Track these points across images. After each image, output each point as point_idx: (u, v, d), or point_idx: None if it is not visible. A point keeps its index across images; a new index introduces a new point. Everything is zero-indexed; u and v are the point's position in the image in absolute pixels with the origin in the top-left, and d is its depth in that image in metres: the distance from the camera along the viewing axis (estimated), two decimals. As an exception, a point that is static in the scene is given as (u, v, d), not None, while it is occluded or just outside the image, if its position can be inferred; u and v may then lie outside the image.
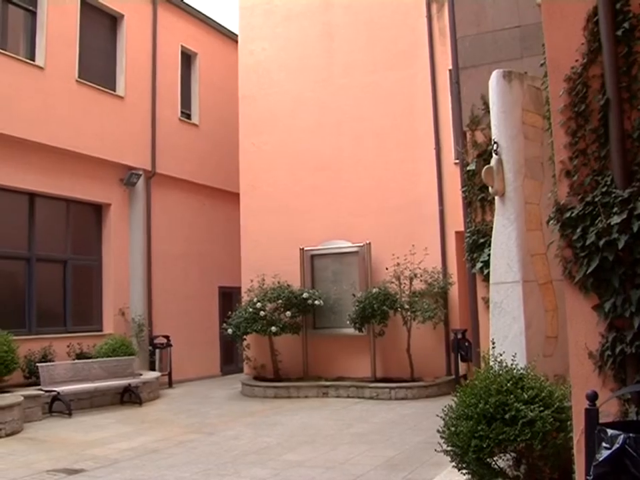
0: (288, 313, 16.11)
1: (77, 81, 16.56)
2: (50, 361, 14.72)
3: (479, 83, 10.87)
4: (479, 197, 11.52)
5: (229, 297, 21.11)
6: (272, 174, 17.92)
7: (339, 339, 16.50)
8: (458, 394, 5.86)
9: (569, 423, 5.23)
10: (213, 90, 21.41)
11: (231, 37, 21.92)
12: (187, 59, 20.94)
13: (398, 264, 15.26)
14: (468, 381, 5.91)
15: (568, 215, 4.64)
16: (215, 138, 21.13)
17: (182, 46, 20.46)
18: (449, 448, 5.70)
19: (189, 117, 20.78)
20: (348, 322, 15.66)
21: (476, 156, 11.61)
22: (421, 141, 16.30)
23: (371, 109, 16.94)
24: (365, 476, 8.19)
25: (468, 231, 11.81)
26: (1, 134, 14.55)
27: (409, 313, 15.24)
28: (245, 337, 16.71)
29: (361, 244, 16.32)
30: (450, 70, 14.53)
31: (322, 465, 8.83)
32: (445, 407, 5.92)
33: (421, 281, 15.40)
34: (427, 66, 16.35)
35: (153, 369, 17.61)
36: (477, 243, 11.49)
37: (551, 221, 4.79)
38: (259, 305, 16.07)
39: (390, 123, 16.68)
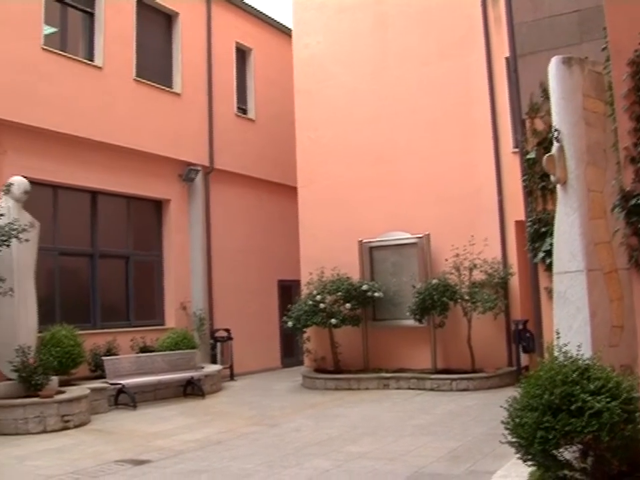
0: (348, 305, 16.13)
1: (134, 79, 16.83)
2: (114, 354, 15.03)
3: (538, 69, 10.69)
4: (539, 185, 11.35)
5: (288, 290, 21.23)
6: (329, 167, 17.95)
7: (399, 331, 16.45)
8: (522, 385, 5.79)
9: (637, 414, 5.14)
10: (268, 85, 21.52)
11: (285, 32, 21.97)
12: (242, 54, 21.08)
13: (457, 255, 15.14)
14: (532, 372, 5.83)
15: (633, 202, 4.55)
16: (272, 132, 21.24)
17: (237, 42, 20.61)
18: (514, 439, 5.63)
19: (245, 112, 20.92)
20: (408, 313, 15.62)
21: (536, 144, 11.44)
22: (478, 130, 16.12)
23: (427, 99, 16.80)
24: (427, 467, 8.17)
25: (529, 220, 11.65)
26: (63, 134, 14.90)
27: (469, 304, 15.12)
28: (305, 329, 16.79)
29: (420, 235, 16.22)
30: (506, 58, 14.34)
31: (384, 457, 8.83)
32: (509, 398, 5.86)
33: (480, 271, 15.26)
34: (482, 54, 16.14)
35: (214, 362, 17.84)
36: (538, 233, 11.33)
37: (616, 209, 4.71)
38: (318, 297, 16.14)
39: (446, 112, 16.52)
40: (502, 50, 15.12)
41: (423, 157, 16.71)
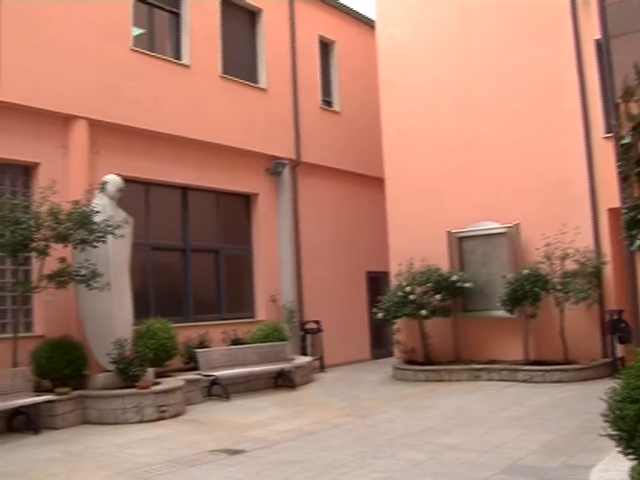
0: (437, 296, 16.02)
1: (220, 76, 17.08)
2: (207, 347, 15.33)
3: (631, 51, 10.38)
4: (635, 171, 11.00)
5: (376, 281, 21.22)
6: (416, 157, 17.84)
7: (489, 322, 16.25)
8: (622, 376, 5.65)
9: None
10: (351, 76, 21.53)
11: (367, 23, 21.95)
12: (325, 47, 21.15)
13: (548, 244, 14.84)
14: (632, 363, 5.67)
15: None
16: (357, 124, 21.24)
17: (320, 35, 20.69)
18: (614, 432, 5.50)
19: (329, 104, 20.98)
20: (498, 304, 15.40)
21: (631, 128, 11.08)
22: (567, 116, 15.74)
23: (514, 85, 16.50)
24: (522, 460, 8.05)
25: (625, 207, 11.28)
26: (153, 132, 15.27)
27: (561, 294, 14.80)
28: (394, 320, 16.78)
29: (510, 225, 15.96)
30: (596, 40, 13.96)
31: (478, 449, 8.75)
32: (608, 389, 5.72)
33: (572, 261, 14.92)
34: (570, 37, 15.74)
35: (304, 353, 18.01)
36: (635, 220, 10.96)
37: None
38: (408, 288, 16.07)
39: (534, 99, 16.19)
40: (591, 32, 14.73)
41: (511, 144, 16.44)
